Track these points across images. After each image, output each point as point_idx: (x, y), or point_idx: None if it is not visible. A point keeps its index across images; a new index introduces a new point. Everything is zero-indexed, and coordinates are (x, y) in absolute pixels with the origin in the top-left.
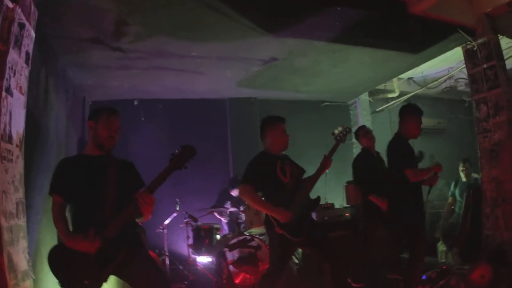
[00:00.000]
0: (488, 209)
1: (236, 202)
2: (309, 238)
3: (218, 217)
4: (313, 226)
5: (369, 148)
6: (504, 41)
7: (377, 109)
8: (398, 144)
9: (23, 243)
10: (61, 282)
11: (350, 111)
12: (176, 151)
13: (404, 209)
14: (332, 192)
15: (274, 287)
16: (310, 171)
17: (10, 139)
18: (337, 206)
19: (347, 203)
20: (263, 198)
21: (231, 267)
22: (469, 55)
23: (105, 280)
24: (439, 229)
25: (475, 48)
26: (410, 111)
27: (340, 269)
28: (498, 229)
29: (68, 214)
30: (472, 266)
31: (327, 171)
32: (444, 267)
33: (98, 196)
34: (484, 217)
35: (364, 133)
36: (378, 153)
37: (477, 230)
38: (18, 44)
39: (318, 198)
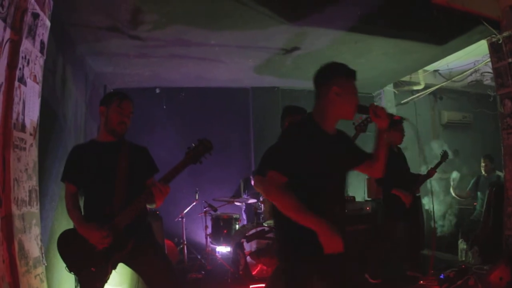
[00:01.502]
0: (510, 209)
1: (255, 193)
2: None
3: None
4: None
5: (389, 142)
6: None
7: (402, 101)
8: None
9: (35, 230)
10: (68, 267)
11: (375, 103)
12: (193, 144)
13: None
14: (354, 184)
15: None
16: None
17: (23, 128)
18: (358, 199)
19: (368, 197)
20: None
21: (248, 258)
22: (494, 49)
23: (114, 268)
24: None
25: (500, 42)
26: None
27: (349, 264)
28: None
29: (81, 201)
30: (491, 267)
31: None
32: (463, 266)
33: (109, 183)
34: (506, 216)
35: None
36: (399, 148)
37: (499, 229)
38: (32, 34)
39: None
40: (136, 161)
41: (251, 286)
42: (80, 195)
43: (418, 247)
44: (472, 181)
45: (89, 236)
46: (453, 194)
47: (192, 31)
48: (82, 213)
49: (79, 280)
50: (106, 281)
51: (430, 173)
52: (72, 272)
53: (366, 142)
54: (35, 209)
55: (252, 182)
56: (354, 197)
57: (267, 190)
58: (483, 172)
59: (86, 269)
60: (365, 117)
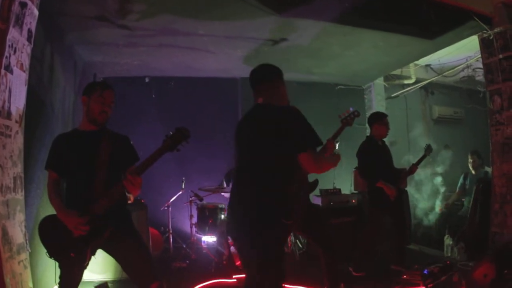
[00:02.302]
0: (497, 205)
1: None
2: (304, 222)
3: (225, 196)
4: (311, 211)
5: (374, 136)
6: None
7: (393, 95)
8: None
9: (20, 217)
10: (48, 252)
11: (365, 96)
12: (170, 132)
13: None
14: (341, 177)
15: None
16: None
17: (9, 115)
18: (344, 191)
19: (355, 189)
20: None
21: (232, 249)
22: (485, 44)
23: (93, 254)
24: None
25: (491, 37)
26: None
27: (333, 259)
28: (507, 227)
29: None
30: (476, 263)
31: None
32: (448, 262)
33: (89, 171)
34: (493, 213)
35: (381, 120)
36: (383, 141)
37: (485, 226)
38: (19, 23)
39: (316, 182)
40: (117, 149)
41: (234, 276)
42: (62, 183)
43: (403, 241)
44: (460, 179)
45: (67, 221)
46: (444, 207)
47: (181, 20)
48: (64, 200)
49: (60, 265)
50: (85, 267)
51: (412, 170)
52: (52, 257)
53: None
54: (20, 195)
55: None
56: (340, 189)
57: (321, 161)
58: (471, 168)
59: (66, 254)
60: (352, 111)
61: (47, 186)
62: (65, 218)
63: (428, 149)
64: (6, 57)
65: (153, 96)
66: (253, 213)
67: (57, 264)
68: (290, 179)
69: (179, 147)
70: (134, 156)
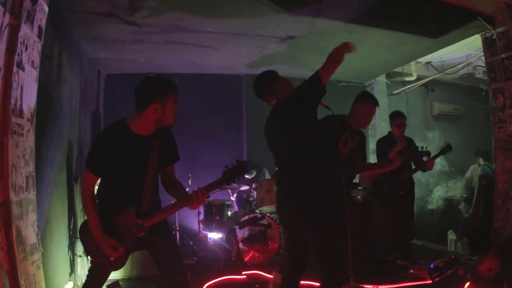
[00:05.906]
0: (500, 201)
1: (247, 180)
2: None
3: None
4: None
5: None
6: None
7: (394, 92)
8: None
9: (32, 217)
10: (89, 254)
11: None
12: (231, 164)
13: None
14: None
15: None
16: None
17: (21, 113)
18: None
19: (360, 186)
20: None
21: (240, 245)
22: (488, 44)
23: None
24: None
25: (494, 37)
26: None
27: None
28: (509, 222)
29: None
30: (481, 258)
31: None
32: (453, 256)
33: (139, 177)
34: (495, 208)
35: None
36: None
37: (488, 221)
38: (31, 19)
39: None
40: (164, 150)
41: (243, 273)
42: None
43: (408, 235)
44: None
45: (101, 245)
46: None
47: (189, 18)
48: (101, 203)
49: (95, 263)
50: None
51: (429, 164)
52: (90, 258)
53: None
54: (32, 195)
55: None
56: None
57: None
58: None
59: (106, 257)
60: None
61: (85, 192)
62: (100, 242)
63: (447, 148)
64: (18, 54)
65: None
66: None
67: (69, 264)
68: None
69: (236, 180)
70: (175, 156)
